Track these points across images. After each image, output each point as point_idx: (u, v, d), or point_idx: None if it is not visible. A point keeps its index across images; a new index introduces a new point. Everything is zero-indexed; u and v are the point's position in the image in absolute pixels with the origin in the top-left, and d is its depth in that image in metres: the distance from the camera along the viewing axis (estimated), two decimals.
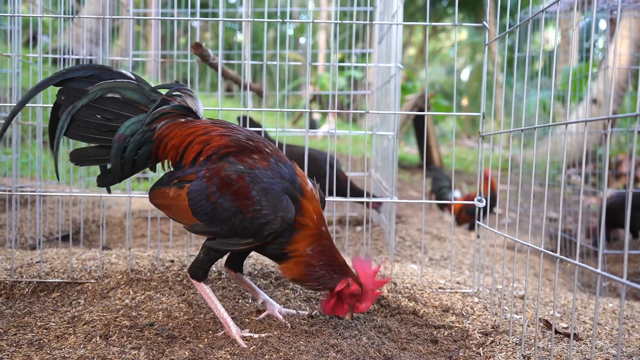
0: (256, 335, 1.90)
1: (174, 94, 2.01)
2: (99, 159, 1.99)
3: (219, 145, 1.88)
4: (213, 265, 2.14)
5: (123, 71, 2.02)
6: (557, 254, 1.82)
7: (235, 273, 2.13)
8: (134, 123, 1.93)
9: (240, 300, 2.28)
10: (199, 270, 1.95)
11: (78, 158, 1.99)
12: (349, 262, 1.96)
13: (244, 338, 1.88)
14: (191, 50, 2.82)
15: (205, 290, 1.96)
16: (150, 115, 1.94)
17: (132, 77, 2.00)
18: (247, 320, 2.07)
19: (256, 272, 2.56)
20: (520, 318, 2.22)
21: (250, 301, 2.27)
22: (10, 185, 3.48)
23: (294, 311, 2.13)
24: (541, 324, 2.15)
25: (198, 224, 1.85)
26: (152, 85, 2.03)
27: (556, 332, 2.07)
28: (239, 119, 3.80)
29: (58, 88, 1.97)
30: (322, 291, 1.96)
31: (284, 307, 2.19)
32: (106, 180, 2.02)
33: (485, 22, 2.37)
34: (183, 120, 1.97)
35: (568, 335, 2.06)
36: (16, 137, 3.23)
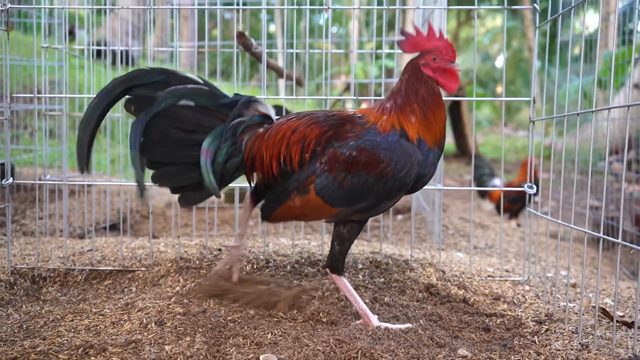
0: (397, 326, 1.89)
1: (246, 103, 1.96)
2: (185, 177, 1.95)
3: (317, 135, 1.87)
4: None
5: (189, 75, 1.94)
6: (601, 235, 1.78)
7: (254, 205, 2.09)
8: (217, 136, 1.90)
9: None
10: (338, 262, 1.96)
11: (161, 178, 1.94)
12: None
13: (385, 328, 1.87)
14: (236, 39, 2.82)
15: (345, 283, 1.97)
16: (232, 127, 1.91)
17: (201, 81, 1.94)
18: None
19: (303, 260, 2.57)
20: (574, 306, 2.18)
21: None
22: (59, 176, 3.56)
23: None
24: (598, 312, 2.11)
25: (340, 211, 1.86)
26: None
27: (612, 319, 2.03)
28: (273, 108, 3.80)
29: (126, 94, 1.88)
30: (445, 87, 1.89)
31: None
32: (193, 199, 2.00)
33: (535, 4, 2.31)
34: (262, 130, 1.95)
35: (626, 324, 2.01)
36: (66, 129, 3.30)
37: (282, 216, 1.94)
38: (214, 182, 1.90)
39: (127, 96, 1.89)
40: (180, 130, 1.89)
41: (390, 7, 2.48)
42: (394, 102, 1.88)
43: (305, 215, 1.92)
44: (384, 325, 1.89)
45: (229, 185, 2.05)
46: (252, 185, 2.04)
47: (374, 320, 1.90)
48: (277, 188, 1.93)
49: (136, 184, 1.87)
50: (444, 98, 1.92)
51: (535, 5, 2.29)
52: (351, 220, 1.93)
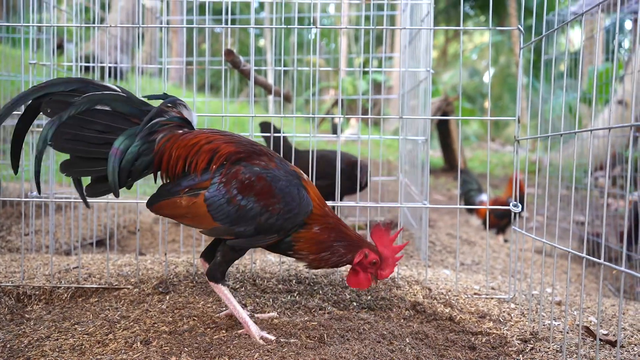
0: (272, 337, 1.93)
1: (168, 104, 2.02)
2: (91, 170, 1.99)
3: (229, 152, 1.94)
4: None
5: (108, 84, 2.00)
6: (584, 255, 1.80)
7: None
8: (129, 136, 1.94)
9: (257, 299, 2.29)
10: (217, 272, 1.99)
11: (69, 169, 1.97)
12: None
13: (262, 338, 1.92)
14: (224, 57, 2.84)
15: (223, 291, 2.00)
16: (148, 127, 1.96)
17: (119, 89, 1.99)
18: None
19: (291, 277, 2.57)
20: (559, 324, 2.20)
21: (270, 301, 2.28)
22: (46, 192, 3.54)
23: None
24: (582, 331, 2.12)
25: (218, 227, 1.90)
26: (141, 97, 2.03)
27: (596, 338, 2.04)
28: (261, 125, 3.80)
29: (42, 100, 1.92)
30: (343, 265, 2.01)
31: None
32: (98, 190, 2.02)
33: (519, 26, 2.35)
34: (181, 131, 2.00)
35: (609, 342, 2.03)
36: None
37: (165, 209, 1.95)
38: (116, 180, 1.93)
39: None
40: (93, 130, 1.93)
41: (378, 27, 2.51)
42: (331, 212, 1.99)
43: (186, 217, 1.93)
44: (264, 334, 1.93)
45: None
46: (159, 182, 2.05)
47: (254, 328, 1.94)
48: (171, 183, 1.97)
49: (34, 179, 1.98)
50: (440, 117, 1.94)
51: (519, 27, 2.33)
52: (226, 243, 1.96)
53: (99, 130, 1.94)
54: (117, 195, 1.98)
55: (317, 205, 1.95)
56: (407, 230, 4.16)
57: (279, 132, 3.90)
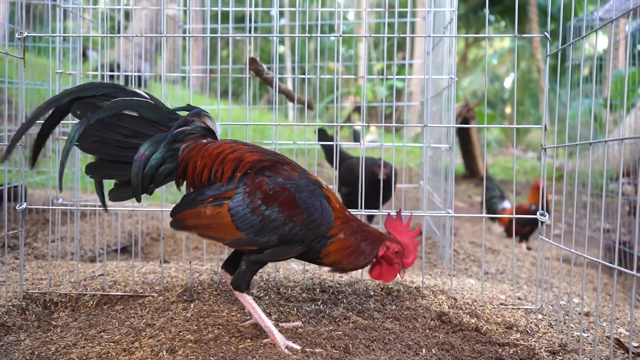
0: (298, 347, 1.92)
1: (193, 116, 2.05)
2: (116, 174, 2.01)
3: (253, 161, 1.95)
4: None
5: (138, 90, 2.04)
6: (615, 266, 1.77)
7: (232, 276, 2.11)
8: (154, 143, 1.97)
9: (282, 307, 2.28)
10: (242, 282, 1.99)
11: (95, 171, 2.00)
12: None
13: (288, 348, 1.91)
14: (248, 66, 2.85)
15: (248, 300, 2.00)
16: (174, 134, 1.98)
17: (148, 96, 2.03)
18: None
19: (315, 285, 2.56)
20: (589, 336, 2.16)
21: (294, 310, 2.27)
22: (71, 199, 3.58)
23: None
24: (613, 343, 2.08)
25: (242, 238, 1.91)
26: (169, 106, 2.07)
27: (628, 350, 2.00)
28: (316, 132, 3.88)
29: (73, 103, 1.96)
30: (369, 264, 2.02)
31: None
32: (121, 195, 2.04)
33: (546, 33, 2.32)
34: (205, 141, 2.03)
35: None
36: (78, 152, 3.32)
37: (189, 219, 1.95)
38: (140, 184, 1.96)
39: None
40: (119, 134, 1.96)
41: (401, 35, 2.50)
42: (349, 218, 2.00)
43: (210, 228, 1.93)
44: (290, 344, 1.92)
45: None
46: (182, 189, 2.07)
47: (279, 337, 1.93)
48: (194, 192, 1.98)
49: (58, 178, 2.00)
50: (466, 126, 1.93)
51: (545, 33, 2.30)
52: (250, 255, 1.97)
53: (125, 134, 1.97)
54: (139, 199, 2.00)
55: (339, 213, 1.97)
56: (430, 238, 4.14)
57: (332, 139, 3.98)
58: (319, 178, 2.04)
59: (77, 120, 1.94)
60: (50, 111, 1.95)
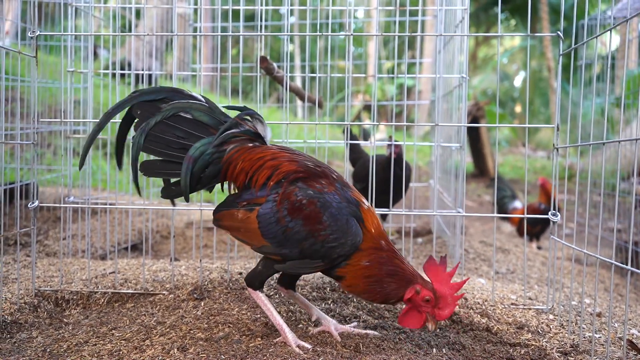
0: (309, 345, 1.91)
1: (245, 117, 2.07)
2: (167, 172, 2.07)
3: (289, 171, 1.93)
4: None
5: (194, 94, 2.11)
6: (629, 267, 1.75)
7: (287, 290, 2.15)
8: (203, 145, 2.01)
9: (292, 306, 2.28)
10: (256, 280, 2.00)
11: (148, 169, 2.08)
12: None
13: (299, 347, 1.90)
14: (259, 64, 2.85)
15: (260, 297, 2.00)
16: (221, 137, 2.01)
17: (203, 100, 2.09)
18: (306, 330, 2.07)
19: (325, 284, 2.56)
20: (600, 337, 2.14)
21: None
22: (82, 197, 3.60)
23: (355, 329, 2.09)
24: (626, 344, 2.07)
25: (267, 246, 1.90)
26: (221, 107, 2.12)
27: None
28: (344, 131, 3.89)
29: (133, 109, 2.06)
30: (393, 302, 1.92)
31: (350, 324, 2.16)
32: (171, 193, 2.10)
33: (559, 32, 2.30)
34: (251, 145, 2.04)
35: None
36: (90, 150, 3.35)
37: (224, 219, 1.99)
38: (187, 185, 2.00)
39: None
40: (174, 135, 2.04)
41: (412, 34, 2.49)
42: (386, 244, 1.88)
43: (239, 231, 1.95)
44: (301, 343, 1.92)
45: None
46: (223, 189, 2.11)
47: (290, 336, 1.92)
48: (234, 195, 2.02)
49: (134, 183, 2.11)
50: (477, 125, 1.90)
51: (558, 32, 2.28)
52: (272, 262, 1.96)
53: (179, 135, 2.04)
54: (187, 199, 2.06)
55: (372, 236, 1.87)
56: (440, 237, 4.12)
57: (355, 138, 4.01)
58: (361, 196, 1.96)
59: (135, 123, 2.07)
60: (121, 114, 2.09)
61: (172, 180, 2.09)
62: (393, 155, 3.30)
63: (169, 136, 2.03)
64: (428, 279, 1.86)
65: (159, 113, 2.02)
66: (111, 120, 2.10)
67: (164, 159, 2.05)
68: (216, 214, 2.02)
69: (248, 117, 2.08)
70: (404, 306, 1.89)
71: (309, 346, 1.92)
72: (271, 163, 1.96)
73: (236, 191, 2.05)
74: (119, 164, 2.14)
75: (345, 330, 2.07)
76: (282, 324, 1.96)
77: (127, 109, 2.07)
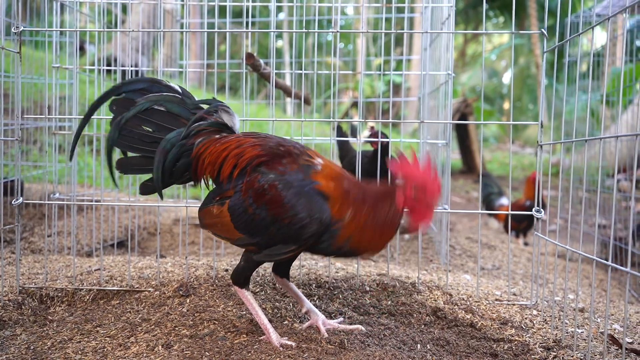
0: (292, 343, 1.92)
1: (210, 111, 2.06)
2: (143, 168, 2.08)
3: (251, 157, 1.91)
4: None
5: (171, 84, 2.11)
6: (610, 263, 1.77)
7: (282, 279, 2.14)
8: (174, 137, 2.02)
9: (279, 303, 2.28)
10: (240, 277, 1.99)
11: (124, 167, 2.09)
12: None
13: (282, 345, 1.90)
14: (245, 61, 2.85)
15: (246, 296, 2.00)
16: (187, 130, 2.01)
17: (179, 90, 2.10)
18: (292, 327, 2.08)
19: (311, 281, 2.56)
20: (583, 332, 2.17)
21: (290, 305, 2.28)
22: (68, 194, 3.58)
23: (341, 325, 2.10)
24: (607, 339, 2.09)
25: (241, 237, 1.90)
26: (197, 99, 2.12)
27: (621, 347, 2.01)
28: (334, 129, 3.92)
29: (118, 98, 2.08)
30: (400, 228, 1.87)
31: (336, 320, 2.17)
32: (148, 189, 2.10)
33: (543, 30, 2.32)
34: (218, 136, 2.03)
35: (635, 351, 1.99)
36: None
37: (205, 218, 1.98)
38: (160, 178, 2.01)
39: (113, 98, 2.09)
40: (146, 129, 2.05)
41: (399, 31, 2.49)
42: (348, 189, 1.82)
43: (217, 227, 1.94)
44: (284, 341, 1.92)
45: None
46: (196, 185, 2.11)
47: (274, 336, 1.93)
48: (211, 191, 2.01)
49: (111, 178, 2.14)
50: (463, 122, 1.91)
51: (542, 30, 2.30)
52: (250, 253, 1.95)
53: (152, 129, 2.04)
54: (160, 195, 2.08)
55: (336, 195, 1.79)
56: (426, 233, 4.14)
57: (343, 135, 4.03)
58: (315, 158, 1.89)
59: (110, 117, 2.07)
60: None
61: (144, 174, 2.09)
62: (380, 138, 3.31)
63: (142, 130, 2.03)
64: (399, 179, 1.80)
65: (133, 107, 2.02)
66: (98, 117, 2.11)
67: (139, 154, 2.05)
68: (200, 213, 2.01)
69: (214, 109, 2.07)
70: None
71: (292, 343, 1.92)
72: (236, 152, 1.94)
73: (207, 185, 2.05)
74: (71, 156, 2.20)
75: (332, 327, 2.08)
76: (266, 323, 1.96)
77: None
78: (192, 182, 2.12)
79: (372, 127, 3.59)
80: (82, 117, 2.11)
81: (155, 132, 2.04)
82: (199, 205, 2.03)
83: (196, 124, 2.02)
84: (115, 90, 2.07)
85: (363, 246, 1.82)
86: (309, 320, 2.11)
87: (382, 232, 1.80)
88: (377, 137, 3.43)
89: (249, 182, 1.87)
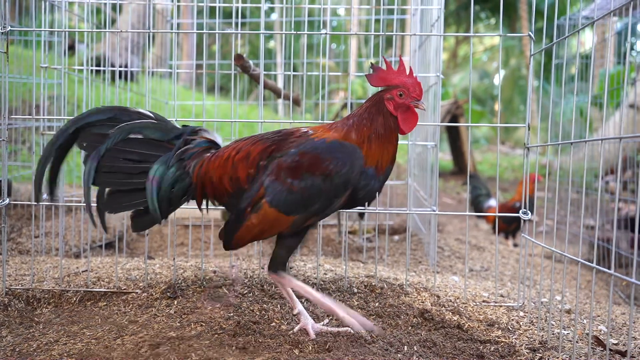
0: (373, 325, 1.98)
1: (190, 136, 2.03)
2: (136, 203, 2.00)
3: (260, 151, 1.92)
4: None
5: (141, 110, 2.05)
6: (594, 265, 1.79)
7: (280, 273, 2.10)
8: (163, 163, 1.97)
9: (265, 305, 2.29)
10: (279, 264, 2.00)
11: (112, 205, 2.01)
12: None
13: (361, 323, 1.96)
14: (234, 62, 2.85)
15: (291, 280, 2.00)
16: (178, 153, 1.98)
17: (151, 115, 2.04)
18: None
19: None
20: (569, 333, 2.18)
21: (278, 307, 2.28)
22: (56, 194, 3.56)
23: (328, 327, 2.10)
24: (592, 341, 2.11)
25: (297, 219, 1.89)
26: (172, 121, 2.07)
27: (606, 347, 2.03)
28: None
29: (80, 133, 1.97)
30: (396, 128, 1.94)
31: (323, 322, 2.17)
32: (145, 224, 2.05)
33: (530, 33, 2.34)
34: (209, 154, 2.01)
35: (620, 353, 2.01)
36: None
37: (243, 239, 1.95)
38: (157, 207, 1.96)
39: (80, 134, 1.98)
40: (129, 160, 1.97)
41: (388, 33, 2.50)
42: (346, 123, 1.93)
43: (264, 232, 1.92)
44: (351, 311, 1.98)
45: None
46: (202, 208, 2.08)
47: (341, 312, 1.98)
48: (233, 213, 1.96)
49: (90, 216, 2.04)
50: (452, 124, 1.93)
51: (530, 34, 2.31)
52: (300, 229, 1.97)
53: (135, 159, 1.97)
54: (159, 221, 2.00)
55: (349, 135, 1.89)
56: (415, 235, 4.16)
57: None
58: (308, 129, 1.97)
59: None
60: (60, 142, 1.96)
61: (135, 210, 2.02)
62: None
63: (125, 163, 1.96)
64: (383, 85, 1.94)
65: (108, 139, 1.94)
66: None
67: (127, 189, 1.98)
68: (232, 242, 1.97)
69: (193, 133, 2.04)
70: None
71: (373, 325, 1.99)
72: (240, 156, 1.94)
73: (216, 203, 2.03)
74: (40, 191, 2.03)
75: (321, 330, 2.08)
76: (329, 302, 1.99)
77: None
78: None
79: None
80: (70, 118, 2.04)
81: (141, 163, 1.97)
82: (223, 237, 1.99)
83: (185, 147, 1.99)
84: (77, 121, 1.96)
85: (377, 163, 1.90)
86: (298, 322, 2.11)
87: (387, 143, 1.91)
88: None
89: (274, 170, 1.87)
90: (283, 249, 1.99)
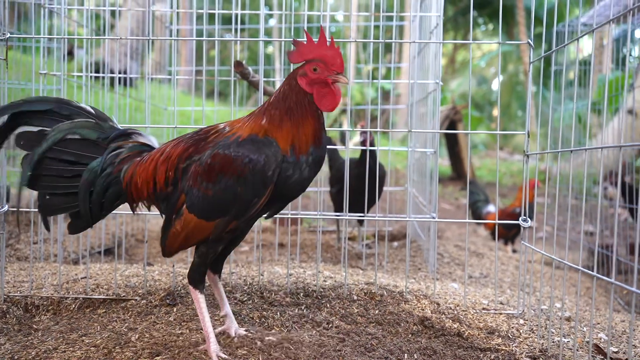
0: (229, 358, 1.88)
1: (122, 140, 2.00)
2: (68, 207, 1.98)
3: (178, 154, 1.88)
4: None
5: (82, 105, 2.01)
6: (594, 273, 1.78)
7: (214, 275, 2.08)
8: (97, 166, 1.94)
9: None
10: (196, 274, 1.93)
11: (48, 209, 1.99)
12: None
13: (219, 358, 1.87)
14: (234, 68, 2.85)
15: (197, 298, 1.93)
16: (110, 159, 1.95)
17: (92, 110, 2.00)
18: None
19: (299, 290, 2.56)
20: (569, 341, 2.18)
21: (277, 314, 2.27)
22: None
23: (249, 333, 2.07)
24: (592, 349, 2.10)
25: (218, 222, 1.82)
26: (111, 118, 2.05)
27: (606, 356, 2.02)
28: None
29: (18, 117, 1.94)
30: (320, 104, 1.82)
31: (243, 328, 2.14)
32: (78, 226, 2.02)
33: (529, 40, 2.34)
34: (139, 158, 1.97)
35: None
36: None
37: (172, 246, 1.90)
38: (88, 211, 1.94)
39: (17, 130, 1.95)
40: (63, 162, 1.94)
41: (387, 40, 2.51)
42: (261, 110, 1.85)
43: (189, 238, 1.86)
44: (222, 355, 1.87)
45: None
46: (135, 211, 2.05)
47: (214, 347, 1.88)
48: (164, 222, 1.93)
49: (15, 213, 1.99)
50: (451, 132, 1.92)
51: (529, 41, 2.32)
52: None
53: (70, 161, 1.94)
54: (90, 225, 1.98)
55: (263, 128, 1.81)
56: (415, 241, 4.15)
57: (332, 143, 4.10)
58: (229, 124, 1.89)
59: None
60: None
61: (71, 213, 1.99)
62: (368, 139, 3.38)
63: (59, 165, 1.93)
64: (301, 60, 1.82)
65: (44, 141, 1.90)
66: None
67: (63, 192, 1.95)
68: (165, 249, 1.93)
69: (125, 137, 2.00)
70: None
71: (228, 358, 1.88)
72: (162, 159, 1.90)
73: (148, 207, 2.00)
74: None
75: (242, 334, 2.05)
76: (210, 331, 1.91)
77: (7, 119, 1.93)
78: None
79: (362, 126, 3.64)
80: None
81: (75, 165, 1.94)
82: (160, 242, 1.95)
83: (116, 151, 1.96)
84: (12, 107, 1.93)
85: (294, 143, 1.79)
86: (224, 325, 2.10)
87: (303, 121, 1.80)
88: (367, 136, 3.50)
89: (192, 173, 1.83)
90: (201, 257, 1.91)
